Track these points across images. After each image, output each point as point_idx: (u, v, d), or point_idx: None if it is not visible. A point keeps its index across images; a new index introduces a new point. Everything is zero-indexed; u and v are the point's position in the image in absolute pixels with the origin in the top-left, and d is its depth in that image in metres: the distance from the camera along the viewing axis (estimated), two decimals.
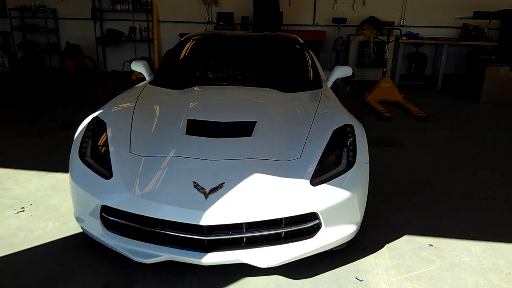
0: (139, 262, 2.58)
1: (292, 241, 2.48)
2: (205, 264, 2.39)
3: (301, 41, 4.52)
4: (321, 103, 3.33)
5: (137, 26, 9.98)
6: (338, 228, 2.56)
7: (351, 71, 4.28)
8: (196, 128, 2.88)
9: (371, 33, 8.65)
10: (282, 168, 2.56)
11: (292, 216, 2.41)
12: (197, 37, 4.53)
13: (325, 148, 2.68)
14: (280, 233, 2.45)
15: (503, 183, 4.10)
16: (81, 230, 3.05)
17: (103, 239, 2.54)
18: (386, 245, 2.97)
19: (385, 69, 7.79)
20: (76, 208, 2.70)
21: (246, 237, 2.42)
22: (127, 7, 9.88)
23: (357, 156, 2.68)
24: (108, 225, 2.54)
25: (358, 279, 2.59)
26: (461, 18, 8.66)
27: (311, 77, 4.01)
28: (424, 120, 6.37)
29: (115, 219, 2.49)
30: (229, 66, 4.04)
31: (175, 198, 2.36)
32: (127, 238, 2.49)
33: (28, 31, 10.21)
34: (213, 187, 2.39)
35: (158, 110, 3.17)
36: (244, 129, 2.87)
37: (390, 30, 7.84)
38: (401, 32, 8.06)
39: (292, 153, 2.68)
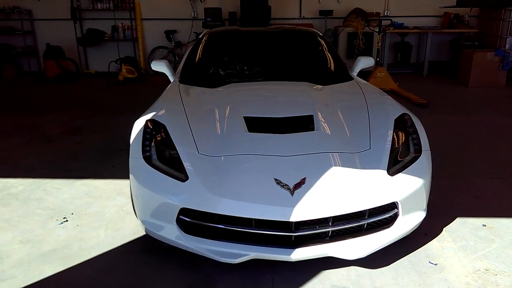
0: (212, 263, 2.56)
1: (373, 232, 2.52)
2: (294, 260, 2.38)
3: (320, 34, 4.55)
4: (366, 93, 3.37)
5: (120, 25, 9.68)
6: (411, 216, 2.62)
7: (374, 62, 4.36)
8: (257, 125, 2.85)
9: (359, 24, 8.78)
10: (356, 159, 2.59)
11: (375, 207, 2.44)
12: (216, 33, 4.47)
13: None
14: (362, 224, 2.48)
15: None
16: (138, 236, 2.99)
17: (180, 242, 2.48)
18: (444, 228, 3.05)
19: (378, 59, 7.95)
20: (143, 212, 2.61)
21: (332, 230, 2.42)
22: (107, 6, 9.53)
23: (421, 144, 2.74)
24: (185, 227, 2.48)
25: (432, 264, 2.65)
26: (444, 7, 8.95)
27: (340, 69, 4.05)
28: (425, 107, 6.57)
29: (195, 221, 2.43)
30: (257, 62, 4.01)
31: (260, 196, 2.34)
32: (208, 240, 2.44)
33: (2, 34, 9.68)
34: (296, 182, 2.38)
35: (210, 110, 3.12)
36: (304, 123, 2.87)
37: (380, 21, 7.99)
38: (391, 21, 8.23)
39: (361, 144, 2.70)
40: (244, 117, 2.93)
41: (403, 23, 9.11)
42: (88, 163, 4.38)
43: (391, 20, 8.21)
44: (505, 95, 7.41)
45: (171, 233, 2.51)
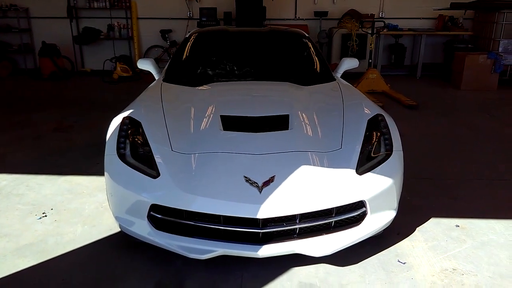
0: (184, 260, 2.60)
1: (341, 230, 2.55)
2: (261, 257, 2.41)
3: (307, 35, 4.58)
4: (344, 94, 3.40)
5: (116, 24, 9.74)
6: (381, 215, 2.65)
7: (358, 63, 4.39)
8: (232, 123, 2.89)
9: (353, 25, 8.82)
10: (326, 159, 2.62)
11: (342, 205, 2.47)
12: (203, 33, 4.51)
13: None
14: (330, 222, 2.51)
15: (507, 165, 4.32)
16: (114, 232, 3.03)
17: (151, 238, 2.51)
18: (417, 228, 3.09)
19: (370, 60, 7.98)
20: (117, 208, 2.65)
21: (299, 228, 2.46)
22: (104, 5, 9.60)
23: (393, 144, 2.78)
24: (156, 224, 2.52)
25: (401, 262, 2.68)
26: (439, 9, 8.97)
27: (323, 70, 4.08)
28: (415, 108, 6.60)
29: (166, 218, 2.47)
30: (241, 62, 4.05)
31: (229, 193, 2.37)
32: (178, 236, 2.48)
33: None
34: (265, 180, 2.41)
35: (187, 108, 3.15)
36: (279, 122, 2.90)
37: (373, 23, 8.01)
38: (384, 23, 8.25)
39: (332, 144, 2.74)
40: (221, 116, 2.97)
41: (397, 25, 9.14)
42: (74, 160, 4.43)
43: (384, 21, 8.24)
44: (495, 98, 7.44)
45: (143, 229, 2.55)
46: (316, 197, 2.40)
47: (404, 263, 2.68)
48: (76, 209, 3.37)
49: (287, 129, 2.84)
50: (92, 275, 2.57)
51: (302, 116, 3.00)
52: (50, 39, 9.38)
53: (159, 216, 2.48)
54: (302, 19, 9.64)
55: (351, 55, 9.00)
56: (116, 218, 2.70)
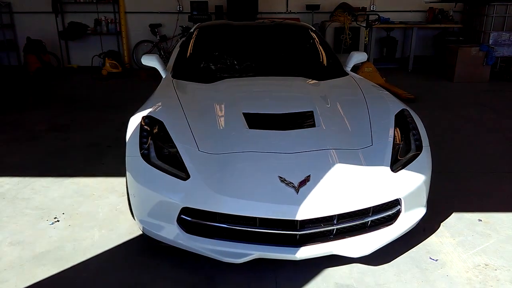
0: (213, 263, 2.52)
1: (376, 229, 2.50)
2: (299, 259, 2.34)
3: (314, 29, 4.51)
4: (363, 88, 3.35)
5: (103, 18, 9.46)
6: (413, 212, 2.62)
7: (367, 57, 4.35)
8: (257, 121, 2.80)
9: (346, 19, 8.79)
10: (359, 156, 2.56)
11: (379, 204, 2.42)
12: (207, 27, 4.39)
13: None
14: (366, 222, 2.46)
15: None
16: (135, 236, 2.92)
17: (181, 242, 2.41)
18: (441, 224, 3.07)
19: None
20: (142, 211, 2.54)
21: (336, 228, 2.40)
22: None
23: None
24: (186, 227, 2.41)
25: (433, 259, 2.65)
26: (430, 2, 9.02)
27: (335, 64, 4.02)
28: (413, 102, 6.61)
29: (197, 221, 2.37)
30: (251, 57, 3.95)
31: (265, 195, 2.29)
32: (210, 239, 2.39)
33: None
34: (300, 180, 2.34)
35: (207, 106, 3.05)
36: (304, 119, 2.83)
37: (368, 16, 8.00)
38: (378, 16, 8.24)
39: (362, 140, 2.68)
40: (244, 113, 2.87)
41: (389, 18, 9.16)
42: (77, 161, 4.26)
43: (378, 15, 8.22)
44: (489, 89, 7.53)
45: (171, 233, 2.45)
46: (354, 196, 2.34)
47: (436, 260, 2.65)
48: (89, 213, 3.23)
49: (314, 126, 2.77)
50: (118, 282, 2.45)
51: (326, 112, 2.93)
52: (34, 35, 9.03)
53: (190, 219, 2.38)
54: (294, 13, 9.56)
55: (344, 48, 8.99)
56: (140, 221, 2.58)
